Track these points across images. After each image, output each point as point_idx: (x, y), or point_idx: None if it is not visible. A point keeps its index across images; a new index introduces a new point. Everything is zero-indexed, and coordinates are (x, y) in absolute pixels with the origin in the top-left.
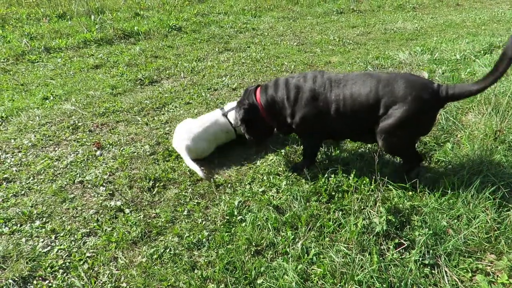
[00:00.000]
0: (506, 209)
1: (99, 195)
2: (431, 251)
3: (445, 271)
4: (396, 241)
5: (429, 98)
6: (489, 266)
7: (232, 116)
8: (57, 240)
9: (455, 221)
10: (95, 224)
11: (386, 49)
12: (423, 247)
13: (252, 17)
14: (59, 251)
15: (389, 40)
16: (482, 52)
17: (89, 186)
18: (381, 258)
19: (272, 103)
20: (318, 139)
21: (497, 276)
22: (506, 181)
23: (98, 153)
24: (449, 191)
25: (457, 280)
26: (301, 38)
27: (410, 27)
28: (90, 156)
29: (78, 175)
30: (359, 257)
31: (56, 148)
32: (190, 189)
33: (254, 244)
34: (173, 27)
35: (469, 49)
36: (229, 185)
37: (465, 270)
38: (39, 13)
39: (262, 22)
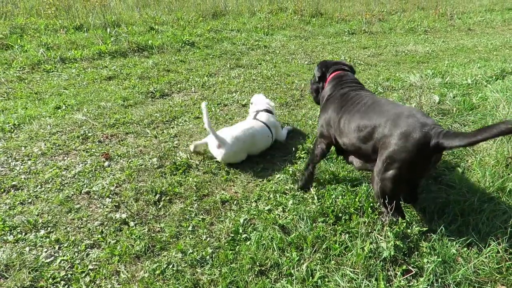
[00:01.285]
0: None
1: (104, 206)
2: (439, 279)
3: None
4: (404, 267)
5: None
6: None
7: (264, 117)
8: (60, 251)
9: (465, 249)
10: (99, 236)
11: (397, 71)
12: (431, 275)
13: (264, 35)
14: (62, 262)
15: (400, 62)
16: (494, 77)
17: (95, 197)
18: (388, 284)
19: None
20: None
21: None
22: None
23: (106, 164)
24: (459, 218)
25: None
26: (312, 57)
27: (421, 50)
28: (98, 167)
29: (85, 186)
30: (365, 283)
31: (65, 158)
32: (195, 205)
33: (258, 264)
34: (186, 42)
35: (481, 74)
36: (235, 202)
37: None
38: (57, 24)
39: (274, 40)
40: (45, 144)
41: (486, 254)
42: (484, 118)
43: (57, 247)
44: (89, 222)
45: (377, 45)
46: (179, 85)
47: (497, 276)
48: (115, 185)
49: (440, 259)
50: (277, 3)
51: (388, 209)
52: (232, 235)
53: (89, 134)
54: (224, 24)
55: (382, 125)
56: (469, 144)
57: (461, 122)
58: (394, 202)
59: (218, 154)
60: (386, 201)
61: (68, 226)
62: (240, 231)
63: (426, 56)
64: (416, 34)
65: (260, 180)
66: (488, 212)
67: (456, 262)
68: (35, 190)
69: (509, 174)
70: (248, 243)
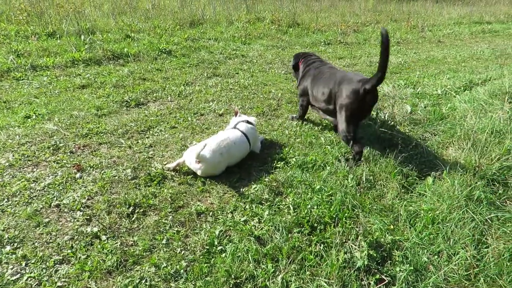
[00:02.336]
0: (485, 246)
1: (75, 220)
2: (411, 287)
3: None
4: (377, 276)
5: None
6: None
7: (243, 126)
8: (27, 267)
9: (436, 257)
10: (69, 251)
11: None
12: (403, 284)
13: (241, 44)
14: (29, 279)
15: (374, 73)
16: (462, 88)
17: (65, 210)
18: None
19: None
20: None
21: None
22: (485, 217)
23: (78, 175)
24: (430, 226)
25: None
26: (289, 66)
27: (394, 61)
28: (69, 179)
29: (55, 198)
30: None
31: (34, 169)
32: (170, 217)
33: (233, 277)
34: (163, 50)
35: (450, 85)
36: (210, 213)
37: None
38: (28, 30)
39: (251, 49)
40: (13, 155)
41: (455, 261)
42: (453, 127)
43: (24, 264)
44: (58, 237)
45: (352, 55)
46: (155, 94)
47: (466, 283)
48: (86, 198)
49: (412, 268)
50: (255, 12)
51: (351, 142)
52: (207, 247)
53: (60, 145)
54: (202, 32)
55: (334, 87)
56: (379, 83)
57: (431, 131)
58: (352, 135)
59: (197, 168)
60: (348, 136)
61: (36, 241)
62: (216, 243)
63: (398, 66)
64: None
65: (236, 190)
66: (457, 220)
67: (427, 270)
68: (1, 204)
69: (476, 183)
70: (223, 255)
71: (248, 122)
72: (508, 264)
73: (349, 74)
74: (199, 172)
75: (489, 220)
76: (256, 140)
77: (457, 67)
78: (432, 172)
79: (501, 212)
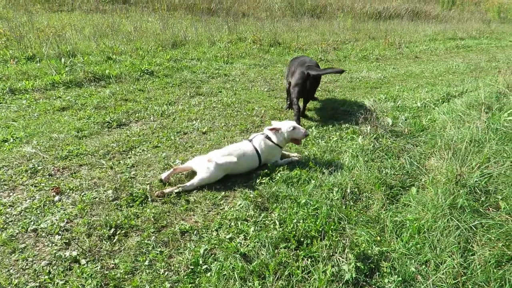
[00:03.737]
0: (471, 253)
1: (53, 244)
2: None
3: None
4: None
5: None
6: None
7: (257, 141)
8: None
9: (423, 266)
10: (46, 277)
11: (352, 96)
12: None
13: (224, 63)
14: None
15: (355, 88)
16: (440, 100)
17: (43, 234)
18: None
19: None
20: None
21: None
22: (469, 224)
23: (56, 198)
24: (416, 236)
25: None
26: (272, 84)
27: (374, 76)
28: (47, 202)
29: (32, 223)
30: None
31: (11, 194)
32: (153, 237)
33: None
34: (145, 71)
35: (429, 98)
36: (195, 231)
37: None
38: (7, 54)
39: (234, 68)
40: None
41: (443, 270)
42: (434, 138)
43: None
44: (35, 263)
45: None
46: (137, 114)
47: None
48: (65, 221)
49: (400, 278)
50: (237, 33)
51: (294, 105)
52: (192, 267)
53: (39, 168)
54: (184, 53)
55: (295, 70)
56: (318, 74)
57: (413, 143)
58: (296, 102)
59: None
60: (294, 101)
61: (11, 268)
62: (200, 262)
63: (378, 81)
64: (368, 61)
65: (221, 208)
66: (442, 229)
67: (415, 280)
68: None
69: (459, 191)
70: (208, 274)
71: (267, 137)
72: (495, 271)
73: (304, 58)
74: (204, 174)
75: (473, 228)
76: (270, 154)
77: (435, 81)
78: (416, 182)
79: (485, 219)
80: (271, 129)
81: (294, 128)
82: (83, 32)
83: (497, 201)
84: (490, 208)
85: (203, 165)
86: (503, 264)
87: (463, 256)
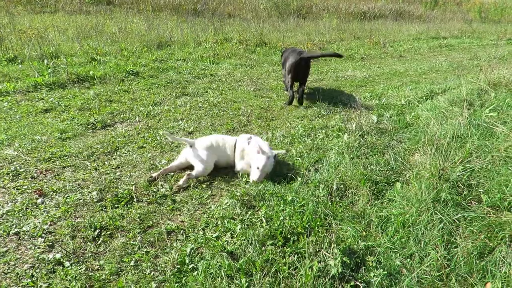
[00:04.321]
0: (454, 245)
1: (36, 247)
2: None
3: None
4: (352, 283)
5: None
6: None
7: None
8: None
9: (408, 260)
10: (28, 280)
11: (338, 95)
12: None
13: (210, 63)
14: None
15: (341, 87)
16: (424, 98)
17: (25, 237)
18: None
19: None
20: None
21: None
22: (452, 218)
23: (39, 201)
24: (400, 230)
25: None
26: (258, 84)
27: (359, 75)
28: (30, 205)
29: (14, 226)
30: None
31: None
32: (139, 237)
33: None
34: (130, 72)
35: (413, 95)
36: (181, 231)
37: None
38: None
39: (220, 68)
40: None
41: (427, 263)
42: (418, 135)
43: None
44: (17, 266)
45: (319, 71)
46: (122, 115)
47: (438, 284)
48: (48, 223)
49: (386, 272)
50: (222, 33)
51: (289, 89)
52: (178, 266)
53: (21, 170)
54: (170, 54)
55: (288, 56)
56: (309, 58)
57: (397, 139)
58: (291, 86)
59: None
60: (289, 86)
61: None
62: (187, 261)
63: (363, 80)
64: (354, 61)
65: (208, 207)
66: (426, 222)
67: (400, 273)
68: None
69: (442, 185)
70: (195, 273)
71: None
72: (477, 262)
73: (295, 48)
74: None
75: (456, 221)
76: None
77: (418, 79)
78: (400, 178)
79: (467, 212)
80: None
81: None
82: (66, 34)
83: (479, 194)
84: (473, 202)
85: (191, 154)
86: (485, 255)
87: (446, 248)
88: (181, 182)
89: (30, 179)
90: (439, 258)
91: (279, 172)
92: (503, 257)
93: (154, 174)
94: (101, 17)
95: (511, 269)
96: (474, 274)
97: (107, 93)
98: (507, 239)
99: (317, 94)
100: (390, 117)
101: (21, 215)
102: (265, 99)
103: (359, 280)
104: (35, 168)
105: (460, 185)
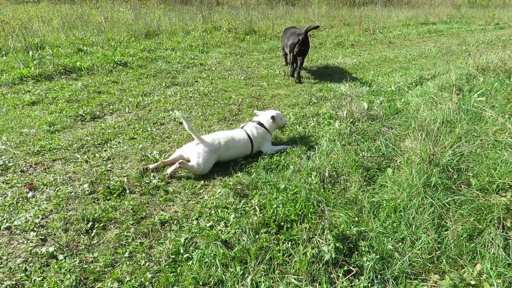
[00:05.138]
0: (444, 229)
1: (28, 241)
2: (379, 276)
3: None
4: (345, 268)
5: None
6: (434, 286)
7: (249, 128)
8: None
9: (400, 244)
10: (22, 274)
11: (328, 82)
12: (371, 273)
13: (199, 52)
14: None
15: (331, 74)
16: (413, 84)
17: (17, 232)
18: (331, 287)
19: None
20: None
21: None
22: (443, 202)
23: (30, 194)
24: (392, 215)
25: None
26: (248, 72)
27: (349, 62)
28: (20, 199)
29: (5, 221)
30: None
31: None
32: (132, 229)
33: (201, 283)
34: (118, 62)
35: (403, 81)
36: (175, 221)
37: None
38: None
39: (209, 57)
40: None
41: (418, 246)
42: (408, 120)
43: None
44: (10, 261)
45: (309, 59)
46: (111, 107)
47: (430, 266)
48: (40, 217)
49: (378, 256)
50: (211, 22)
51: (292, 64)
52: (173, 256)
53: (10, 164)
54: (158, 43)
55: (288, 38)
56: (305, 36)
57: (388, 125)
58: (292, 63)
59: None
60: (290, 63)
61: None
62: (181, 251)
63: (354, 67)
64: (344, 47)
65: (201, 197)
66: (417, 207)
67: (393, 257)
68: None
69: (432, 170)
70: (190, 262)
71: (259, 123)
72: (467, 244)
73: (295, 29)
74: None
75: (446, 204)
76: (263, 141)
77: (408, 65)
78: (391, 164)
79: (457, 196)
80: (271, 117)
81: (282, 117)
82: (51, 24)
83: (469, 178)
84: (462, 185)
85: (193, 150)
86: (475, 237)
87: (437, 232)
88: (169, 170)
89: (19, 173)
90: (430, 241)
91: (272, 160)
92: (492, 239)
93: (151, 166)
94: (87, 6)
95: (499, 250)
96: (464, 255)
97: (95, 84)
98: (495, 221)
99: (307, 82)
100: (381, 103)
101: (11, 209)
102: (255, 87)
103: (352, 265)
104: (24, 161)
105: (450, 169)
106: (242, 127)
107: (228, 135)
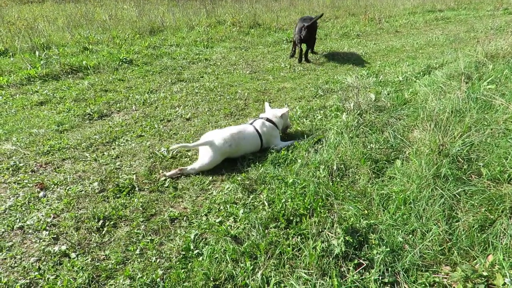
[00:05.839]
0: (455, 220)
1: (41, 240)
2: (389, 268)
3: (405, 287)
4: (356, 261)
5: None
6: (445, 278)
7: (258, 124)
8: None
9: (410, 236)
10: (36, 273)
11: (335, 74)
12: (381, 266)
13: (204, 48)
14: None
15: (337, 66)
16: (421, 73)
17: (30, 231)
18: (342, 280)
19: None
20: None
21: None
22: (453, 193)
23: (41, 194)
24: (402, 207)
25: None
26: (254, 66)
27: (355, 53)
28: (32, 199)
29: (18, 220)
30: (320, 282)
31: None
32: (143, 226)
33: (212, 279)
34: (124, 60)
35: (410, 71)
36: (184, 218)
37: (423, 285)
38: None
39: (214, 52)
40: None
41: (429, 238)
42: (416, 111)
43: None
44: (23, 260)
45: (315, 50)
46: (118, 105)
47: (441, 258)
48: (52, 216)
49: (388, 249)
50: (215, 16)
51: (297, 45)
52: (183, 252)
53: (20, 165)
54: (163, 39)
55: (297, 24)
56: (310, 25)
57: (396, 116)
58: (298, 44)
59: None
60: (297, 44)
61: None
62: (192, 247)
63: (360, 58)
64: (349, 38)
65: (209, 193)
66: (427, 198)
67: (403, 249)
68: None
69: (442, 161)
70: (200, 258)
71: (268, 120)
72: (479, 235)
73: (304, 17)
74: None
75: (457, 195)
76: (272, 138)
77: (415, 54)
78: (400, 155)
79: (468, 186)
80: (280, 113)
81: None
82: (56, 23)
83: (479, 168)
84: (473, 176)
85: (204, 148)
86: (486, 228)
87: (448, 223)
88: (169, 173)
89: (30, 173)
90: (441, 233)
91: (280, 155)
92: (504, 229)
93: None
94: (91, 4)
95: None
96: (476, 247)
97: (101, 83)
98: (507, 211)
99: (313, 74)
100: (388, 94)
101: (24, 209)
102: (261, 81)
103: (363, 258)
104: (35, 161)
105: (460, 159)
106: (251, 123)
107: (240, 134)
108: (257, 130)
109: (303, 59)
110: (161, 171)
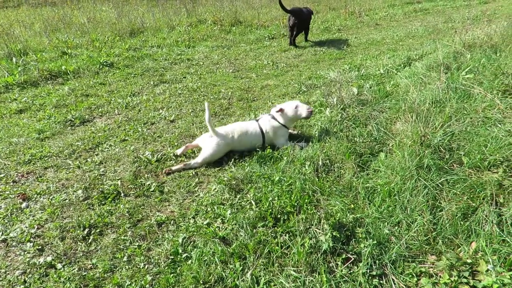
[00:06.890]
0: (439, 209)
1: (26, 252)
2: (377, 261)
3: (393, 279)
4: (344, 256)
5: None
6: (432, 267)
7: (262, 122)
8: None
9: (396, 227)
10: (22, 286)
11: (317, 69)
12: (369, 259)
13: (186, 48)
14: None
15: (319, 61)
16: (402, 65)
17: (13, 244)
18: (330, 276)
19: None
20: None
21: (440, 276)
22: (436, 182)
23: (23, 205)
24: (387, 199)
25: (405, 287)
26: (236, 64)
27: (337, 47)
28: (14, 210)
29: (0, 233)
30: (309, 279)
31: None
32: (129, 232)
33: (201, 282)
34: (104, 63)
35: (391, 64)
36: (172, 221)
37: (410, 275)
38: None
39: (196, 52)
40: None
41: (414, 229)
42: (398, 103)
43: None
44: (8, 273)
45: (297, 47)
46: (100, 109)
47: (426, 248)
48: (36, 227)
49: (375, 242)
50: (196, 15)
51: (291, 33)
52: (172, 257)
53: (1, 176)
54: (143, 41)
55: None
56: (297, 15)
57: (378, 109)
58: (292, 32)
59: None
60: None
61: None
62: (180, 251)
63: (342, 52)
64: (330, 33)
65: (196, 195)
66: (411, 189)
67: (389, 241)
68: None
69: (424, 152)
70: (189, 262)
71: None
72: (462, 223)
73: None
74: (206, 151)
75: (440, 185)
76: (276, 135)
77: (396, 47)
78: (384, 148)
79: (450, 175)
80: (277, 111)
81: (297, 106)
82: (33, 28)
83: (460, 157)
84: (454, 165)
85: (207, 142)
86: (469, 215)
87: (432, 213)
88: (174, 168)
89: (11, 183)
90: (426, 223)
91: (265, 153)
92: (486, 216)
93: (179, 152)
94: (68, 7)
95: (494, 226)
96: (460, 235)
97: (82, 88)
98: (488, 198)
99: (296, 70)
100: (370, 87)
101: (6, 221)
102: (244, 80)
103: (350, 252)
104: (16, 171)
105: (442, 149)
106: (257, 120)
107: (243, 129)
108: (260, 127)
109: (292, 43)
110: (165, 169)
